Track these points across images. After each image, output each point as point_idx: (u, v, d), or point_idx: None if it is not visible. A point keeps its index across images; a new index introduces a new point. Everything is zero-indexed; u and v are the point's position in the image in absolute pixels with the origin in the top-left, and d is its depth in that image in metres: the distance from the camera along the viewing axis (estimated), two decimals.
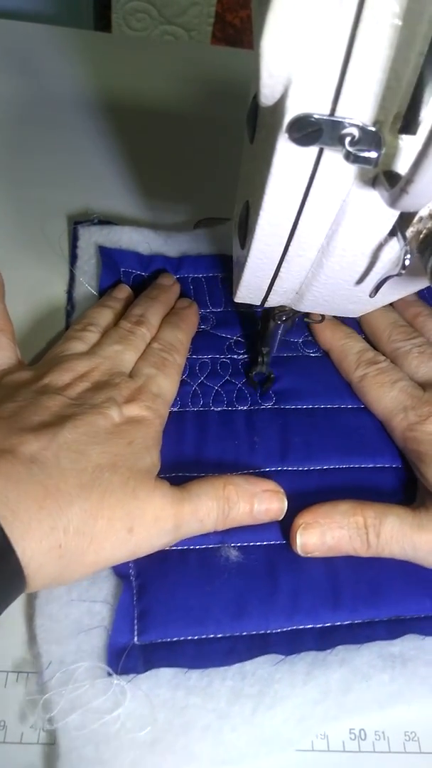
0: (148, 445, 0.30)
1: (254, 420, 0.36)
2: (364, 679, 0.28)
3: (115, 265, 0.41)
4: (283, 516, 0.31)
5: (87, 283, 0.41)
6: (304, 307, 0.31)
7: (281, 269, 0.28)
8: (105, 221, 0.44)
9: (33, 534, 0.24)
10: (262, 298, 0.31)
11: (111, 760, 0.25)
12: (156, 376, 0.34)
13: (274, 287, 0.30)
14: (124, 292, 0.40)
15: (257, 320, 0.40)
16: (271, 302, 0.32)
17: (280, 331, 0.36)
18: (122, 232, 0.43)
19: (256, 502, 0.30)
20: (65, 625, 0.28)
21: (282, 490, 0.31)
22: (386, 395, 0.35)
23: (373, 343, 0.39)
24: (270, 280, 0.29)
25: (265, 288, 0.30)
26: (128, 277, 0.42)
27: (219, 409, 0.36)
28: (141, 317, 0.37)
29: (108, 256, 0.42)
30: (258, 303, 0.32)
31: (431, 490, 0.32)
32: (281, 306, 0.33)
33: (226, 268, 0.43)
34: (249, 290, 0.31)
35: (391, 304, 0.40)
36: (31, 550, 0.24)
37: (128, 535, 0.27)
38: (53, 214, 0.45)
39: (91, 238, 0.43)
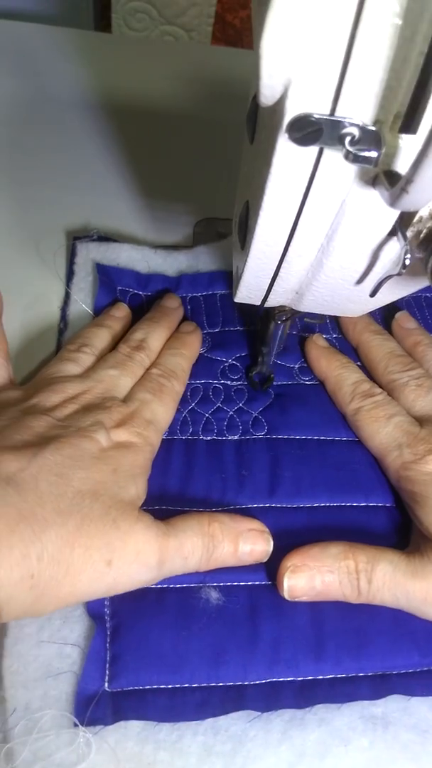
0: (134, 473, 0.29)
1: (244, 451, 0.35)
2: (343, 742, 0.26)
3: (111, 284, 0.40)
4: (267, 558, 0.30)
5: (82, 301, 0.40)
6: (304, 307, 0.31)
7: (281, 269, 0.28)
8: (104, 237, 0.43)
9: (2, 561, 0.23)
10: (262, 298, 0.31)
11: None
12: (151, 402, 0.33)
13: (274, 287, 0.30)
14: (122, 311, 0.39)
15: (255, 337, 0.39)
16: (271, 302, 0.32)
17: (280, 332, 0.36)
18: (121, 250, 0.42)
19: (240, 541, 0.29)
20: (34, 668, 0.27)
21: (267, 531, 0.30)
22: (381, 431, 0.33)
23: (369, 374, 0.38)
24: (270, 280, 0.29)
25: (265, 288, 0.30)
26: (125, 296, 0.40)
27: (208, 438, 0.35)
28: (141, 342, 0.36)
29: (105, 274, 0.41)
30: (258, 303, 0.32)
31: (426, 534, 0.30)
32: (281, 306, 0.33)
33: (225, 284, 0.42)
34: (249, 290, 0.30)
35: (389, 332, 0.40)
36: (0, 579, 0.23)
37: (106, 568, 0.26)
38: (51, 223, 0.44)
39: (89, 254, 0.42)
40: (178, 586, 0.30)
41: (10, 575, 0.23)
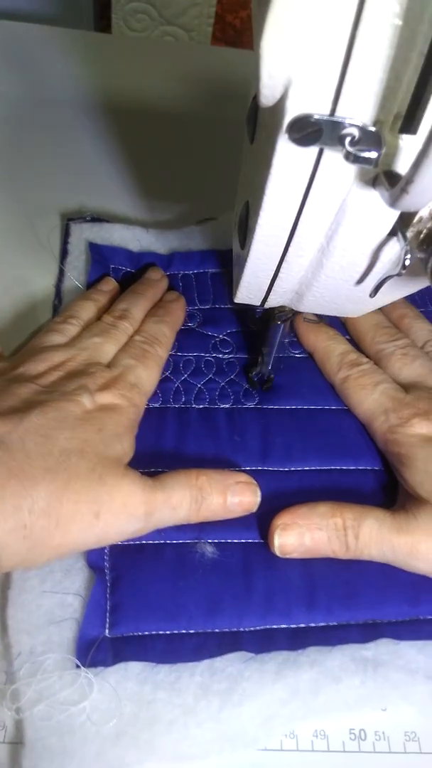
0: (119, 432, 0.30)
1: (236, 419, 0.36)
2: (335, 681, 0.28)
3: (104, 261, 0.41)
4: (256, 509, 0.31)
5: (75, 279, 0.41)
6: (304, 308, 0.31)
7: (281, 269, 0.28)
8: (98, 219, 0.44)
9: None
10: (262, 298, 0.31)
11: (75, 752, 0.25)
12: (135, 367, 0.33)
13: (274, 288, 0.30)
14: (109, 284, 0.40)
15: (246, 318, 0.40)
16: (271, 303, 0.32)
17: (280, 331, 0.36)
18: (113, 230, 0.43)
19: (229, 493, 0.30)
20: (37, 615, 0.28)
21: (255, 483, 0.31)
22: (368, 397, 0.35)
23: (357, 345, 0.39)
24: (270, 281, 0.29)
25: (265, 288, 0.30)
26: (117, 274, 0.41)
27: (200, 406, 0.36)
28: (125, 311, 0.37)
29: (98, 252, 0.42)
30: (258, 303, 0.32)
31: (411, 493, 0.31)
32: (281, 306, 0.33)
33: (216, 263, 0.43)
34: (249, 291, 0.31)
35: None
36: None
37: (95, 519, 0.27)
38: (47, 212, 0.45)
39: (83, 234, 0.43)
40: (174, 542, 0.31)
41: (4, 525, 0.24)
